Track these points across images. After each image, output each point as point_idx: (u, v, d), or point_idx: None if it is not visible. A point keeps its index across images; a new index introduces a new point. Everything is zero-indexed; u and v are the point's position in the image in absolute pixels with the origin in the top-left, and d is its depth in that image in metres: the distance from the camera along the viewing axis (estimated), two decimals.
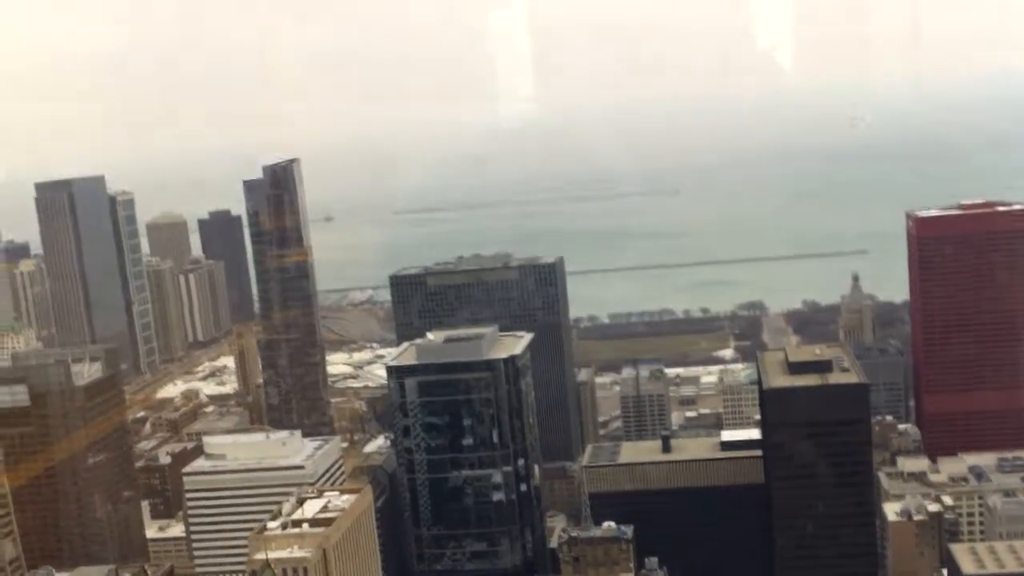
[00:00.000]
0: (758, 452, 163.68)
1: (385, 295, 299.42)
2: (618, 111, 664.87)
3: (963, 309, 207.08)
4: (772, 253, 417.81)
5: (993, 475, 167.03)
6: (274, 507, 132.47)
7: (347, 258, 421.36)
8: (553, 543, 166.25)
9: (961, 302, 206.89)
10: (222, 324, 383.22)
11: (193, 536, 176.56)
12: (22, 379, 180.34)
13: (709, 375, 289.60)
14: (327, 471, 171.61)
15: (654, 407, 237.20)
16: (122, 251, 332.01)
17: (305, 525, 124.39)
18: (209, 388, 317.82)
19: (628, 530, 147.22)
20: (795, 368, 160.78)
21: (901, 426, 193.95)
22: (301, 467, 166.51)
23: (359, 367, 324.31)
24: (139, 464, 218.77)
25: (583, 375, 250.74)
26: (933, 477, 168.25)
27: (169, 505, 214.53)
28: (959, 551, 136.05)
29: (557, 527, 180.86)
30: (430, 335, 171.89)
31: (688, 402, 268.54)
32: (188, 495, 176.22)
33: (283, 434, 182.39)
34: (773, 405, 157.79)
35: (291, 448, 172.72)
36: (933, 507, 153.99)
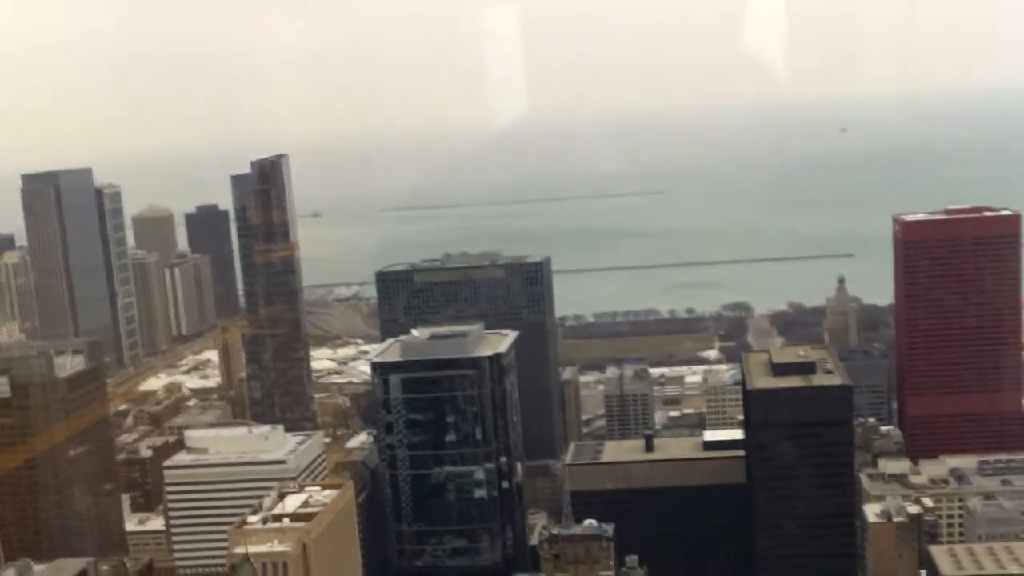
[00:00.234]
0: (741, 452, 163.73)
1: (371, 291, 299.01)
2: (610, 116, 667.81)
3: (947, 313, 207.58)
4: (759, 255, 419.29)
5: (973, 478, 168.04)
6: (255, 501, 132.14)
7: (334, 254, 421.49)
8: (534, 540, 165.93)
9: (945, 306, 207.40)
10: (207, 318, 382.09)
11: (173, 530, 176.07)
12: (4, 371, 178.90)
13: (693, 375, 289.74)
14: (309, 466, 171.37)
15: (638, 406, 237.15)
16: (107, 244, 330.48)
17: (286, 520, 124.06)
18: (192, 382, 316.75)
19: (609, 528, 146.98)
20: (779, 369, 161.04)
21: (883, 428, 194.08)
22: (283, 462, 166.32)
23: (343, 363, 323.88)
24: (120, 457, 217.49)
25: (567, 373, 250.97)
26: (914, 479, 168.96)
27: (149, 499, 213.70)
28: (938, 553, 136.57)
29: (538, 524, 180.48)
30: (415, 332, 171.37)
31: (672, 402, 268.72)
32: (168, 489, 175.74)
33: (265, 429, 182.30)
34: (756, 406, 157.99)
35: (273, 443, 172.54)
36: (913, 509, 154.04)
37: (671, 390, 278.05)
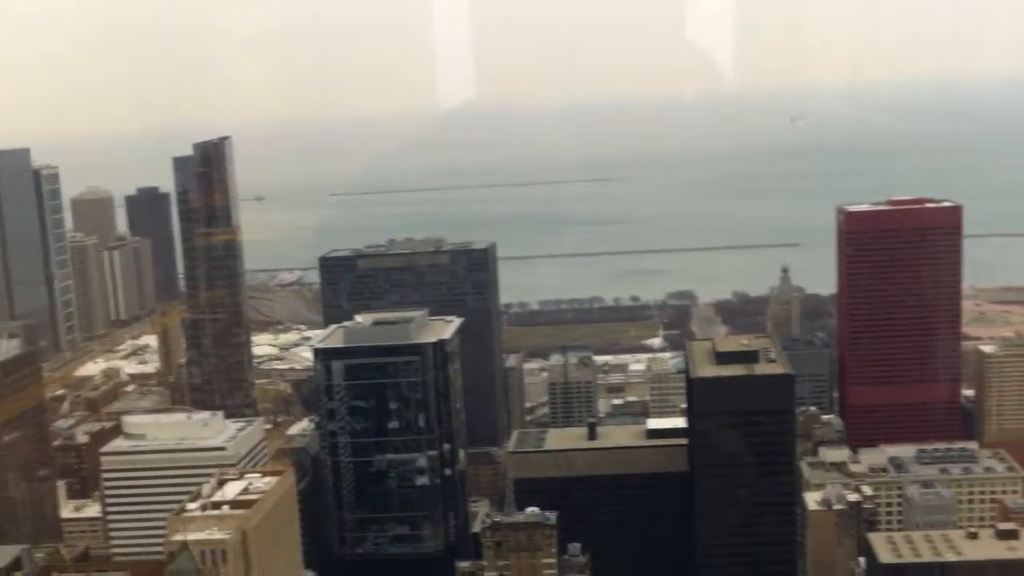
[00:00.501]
0: (684, 440, 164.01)
1: (314, 277, 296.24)
2: (565, 105, 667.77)
3: (889, 303, 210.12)
4: (707, 243, 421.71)
5: (912, 466, 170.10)
6: (194, 488, 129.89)
7: (277, 238, 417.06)
8: (476, 528, 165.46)
9: (887, 296, 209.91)
10: (146, 302, 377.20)
11: (109, 517, 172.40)
12: None
13: (637, 363, 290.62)
14: (249, 453, 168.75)
15: (581, 394, 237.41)
16: (45, 226, 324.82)
17: (225, 507, 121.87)
18: (131, 367, 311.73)
19: (552, 516, 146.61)
20: (722, 358, 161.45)
21: (824, 417, 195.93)
22: (223, 448, 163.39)
23: (285, 349, 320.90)
24: (56, 443, 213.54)
25: (511, 361, 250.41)
26: (854, 467, 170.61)
27: (86, 485, 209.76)
28: (877, 540, 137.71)
29: (481, 512, 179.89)
30: (358, 318, 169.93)
31: (616, 390, 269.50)
32: (105, 475, 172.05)
33: (205, 415, 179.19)
34: (700, 394, 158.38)
35: (213, 429, 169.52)
36: (853, 497, 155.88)
37: (615, 378, 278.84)
